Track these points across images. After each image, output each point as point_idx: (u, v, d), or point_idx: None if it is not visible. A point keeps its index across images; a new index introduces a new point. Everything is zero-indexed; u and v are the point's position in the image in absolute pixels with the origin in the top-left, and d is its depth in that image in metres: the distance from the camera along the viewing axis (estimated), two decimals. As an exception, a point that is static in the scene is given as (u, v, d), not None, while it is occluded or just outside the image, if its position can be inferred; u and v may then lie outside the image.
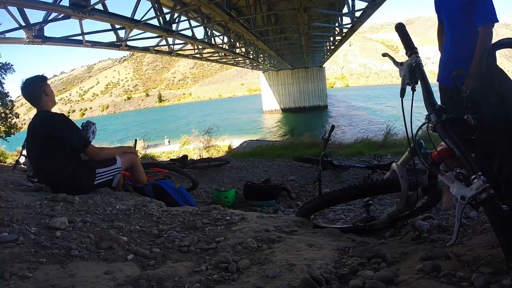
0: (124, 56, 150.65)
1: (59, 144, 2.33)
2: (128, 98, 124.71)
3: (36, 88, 2.39)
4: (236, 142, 13.71)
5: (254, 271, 1.19)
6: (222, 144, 12.41)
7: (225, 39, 13.33)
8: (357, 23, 10.63)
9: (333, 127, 3.99)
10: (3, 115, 11.88)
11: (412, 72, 1.28)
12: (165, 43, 10.29)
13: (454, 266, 1.07)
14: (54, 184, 2.37)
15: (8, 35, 6.29)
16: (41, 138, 2.36)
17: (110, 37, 9.21)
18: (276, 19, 12.74)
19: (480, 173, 1.00)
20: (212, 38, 11.72)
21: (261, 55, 20.55)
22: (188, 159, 6.43)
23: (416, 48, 1.30)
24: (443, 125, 1.13)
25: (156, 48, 10.52)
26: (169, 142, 17.18)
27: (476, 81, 1.21)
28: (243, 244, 1.44)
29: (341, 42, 16.50)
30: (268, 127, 27.56)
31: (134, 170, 2.74)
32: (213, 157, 9.22)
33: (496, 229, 0.96)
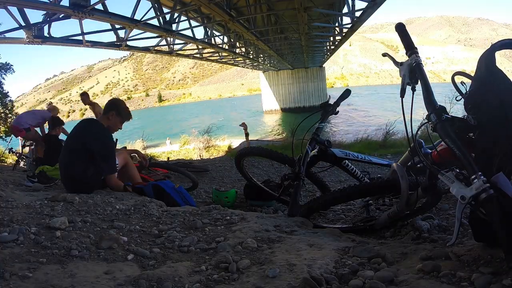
0: (124, 56, 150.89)
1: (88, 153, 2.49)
2: (128, 98, 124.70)
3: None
4: (236, 142, 13.72)
5: (254, 271, 1.19)
6: (222, 144, 12.43)
7: (225, 39, 13.34)
8: (357, 23, 10.63)
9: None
10: (3, 115, 11.89)
11: (412, 72, 1.28)
12: (165, 43, 10.30)
13: (454, 266, 1.07)
14: (70, 183, 2.52)
15: (8, 35, 6.30)
16: (77, 141, 2.56)
17: (110, 37, 9.22)
18: (276, 19, 12.74)
19: (480, 173, 1.00)
20: (212, 38, 11.74)
21: (261, 55, 20.57)
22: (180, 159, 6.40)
23: (416, 48, 1.30)
24: (443, 125, 1.13)
25: (156, 48, 10.54)
26: (170, 143, 17.20)
27: (475, 82, 1.21)
28: (243, 244, 1.44)
29: (341, 42, 16.50)
30: (268, 127, 27.55)
31: (126, 169, 2.85)
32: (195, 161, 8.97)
33: (496, 229, 0.96)
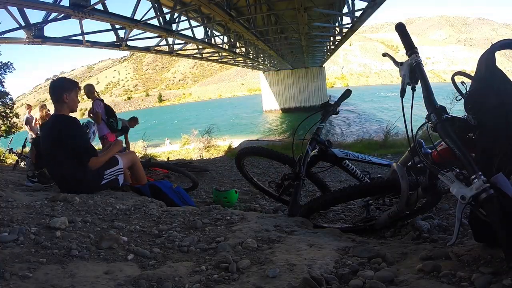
0: (124, 56, 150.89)
1: (68, 147, 2.42)
2: (128, 98, 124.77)
3: (57, 92, 2.49)
4: (236, 142, 13.71)
5: (254, 271, 1.19)
6: (223, 144, 12.43)
7: (225, 39, 13.34)
8: (357, 23, 10.63)
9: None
10: (3, 114, 11.89)
11: (412, 71, 1.28)
12: (165, 43, 10.30)
13: (454, 266, 1.07)
14: (64, 184, 2.45)
15: (8, 35, 6.30)
16: (52, 140, 2.46)
17: (110, 37, 9.22)
18: (276, 19, 12.73)
19: (480, 173, 1.00)
20: (212, 38, 11.73)
21: (261, 55, 20.56)
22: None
23: (416, 48, 1.30)
24: (443, 125, 1.13)
25: (156, 48, 10.54)
26: (169, 143, 17.20)
27: (475, 82, 1.21)
28: (243, 244, 1.44)
29: (341, 42, 16.50)
30: (268, 126, 27.54)
31: (134, 169, 2.80)
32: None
33: (496, 229, 0.96)
